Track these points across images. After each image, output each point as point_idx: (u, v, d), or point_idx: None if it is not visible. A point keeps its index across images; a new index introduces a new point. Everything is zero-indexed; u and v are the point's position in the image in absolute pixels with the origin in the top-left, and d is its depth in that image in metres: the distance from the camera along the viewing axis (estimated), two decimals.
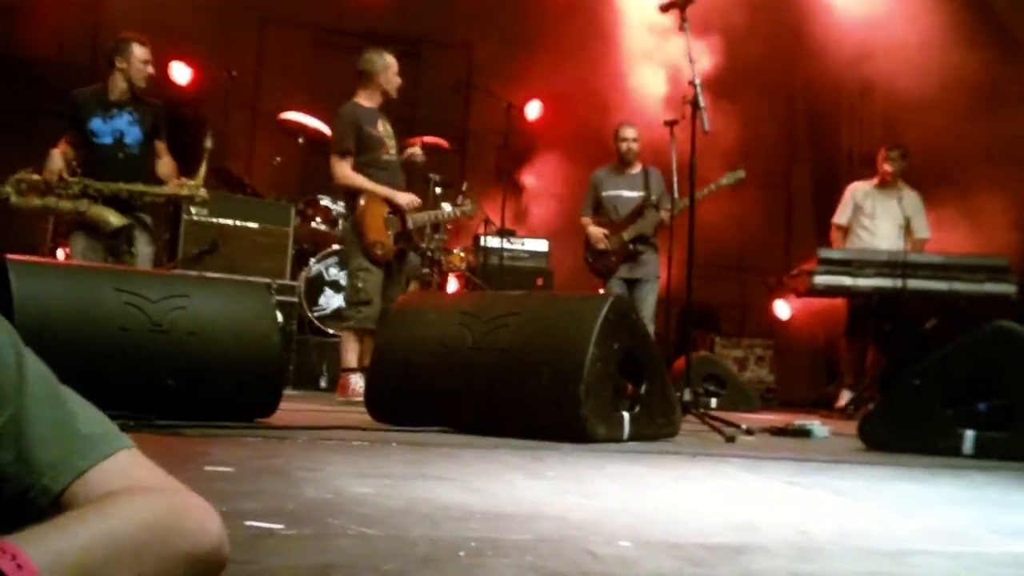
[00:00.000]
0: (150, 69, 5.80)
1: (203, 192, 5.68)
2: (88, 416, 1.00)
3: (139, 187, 5.56)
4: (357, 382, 5.39)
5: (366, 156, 5.83)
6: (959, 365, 3.91)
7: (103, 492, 0.94)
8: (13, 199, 5.38)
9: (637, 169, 6.99)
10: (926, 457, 3.67)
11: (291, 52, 9.54)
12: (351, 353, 5.63)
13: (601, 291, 6.89)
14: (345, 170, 5.79)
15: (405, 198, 5.92)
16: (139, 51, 5.77)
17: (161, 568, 0.91)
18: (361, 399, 4.48)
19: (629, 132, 7.01)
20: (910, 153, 7.59)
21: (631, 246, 6.84)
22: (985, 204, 7.55)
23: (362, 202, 5.77)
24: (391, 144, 5.96)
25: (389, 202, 5.83)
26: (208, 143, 5.70)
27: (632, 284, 6.89)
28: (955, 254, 7.13)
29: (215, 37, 9.04)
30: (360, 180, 5.80)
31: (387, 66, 5.97)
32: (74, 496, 0.94)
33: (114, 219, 5.47)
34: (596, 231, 6.93)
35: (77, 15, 9.30)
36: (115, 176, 5.57)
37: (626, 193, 7.01)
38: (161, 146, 5.85)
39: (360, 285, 5.73)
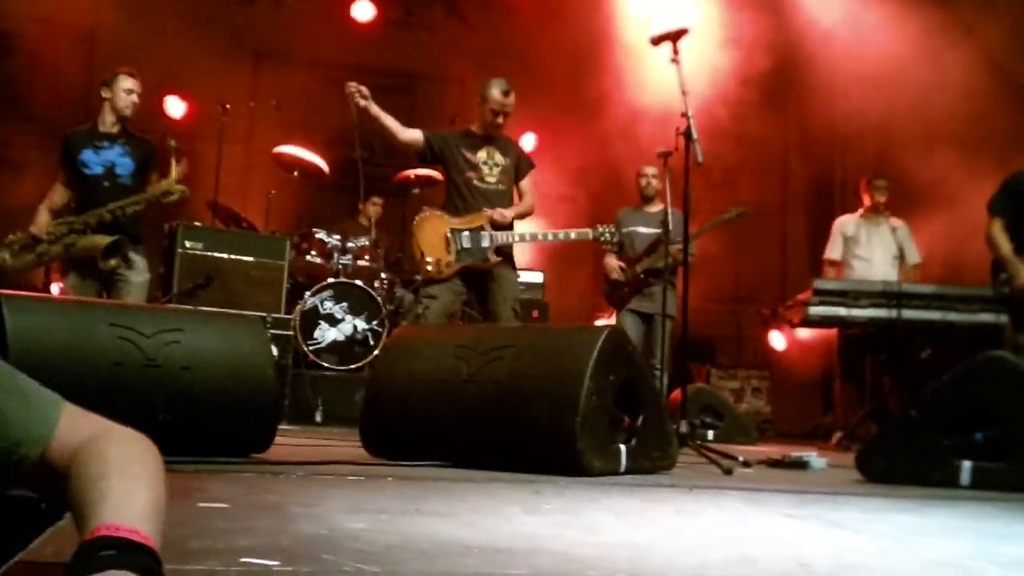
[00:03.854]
0: (134, 99, 5.83)
1: (180, 187, 5.73)
2: (33, 388, 1.27)
3: (117, 203, 5.61)
4: None
5: (456, 178, 5.87)
6: (955, 396, 3.90)
7: (72, 444, 1.21)
8: (9, 262, 5.47)
9: (657, 207, 7.07)
10: (924, 488, 3.66)
11: (286, 86, 9.57)
12: None
13: (610, 321, 7.01)
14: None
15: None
16: (124, 81, 5.83)
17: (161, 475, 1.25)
18: None
19: (649, 170, 7.28)
20: (898, 184, 7.64)
21: (641, 276, 6.99)
22: (979, 235, 7.57)
23: (416, 219, 5.82)
24: (487, 171, 5.88)
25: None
26: (171, 142, 5.77)
27: (647, 319, 7.00)
28: (949, 284, 7.15)
29: (209, 71, 9.08)
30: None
31: (490, 92, 5.86)
32: (51, 455, 1.22)
33: (102, 240, 5.51)
34: (611, 261, 7.19)
35: (72, 52, 9.35)
36: (105, 205, 5.62)
37: (642, 230, 7.18)
38: (154, 180, 5.90)
39: (419, 311, 5.70)
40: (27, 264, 5.62)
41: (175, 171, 5.72)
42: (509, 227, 5.85)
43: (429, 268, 5.65)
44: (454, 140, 5.94)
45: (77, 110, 8.20)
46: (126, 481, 1.16)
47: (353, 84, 5.78)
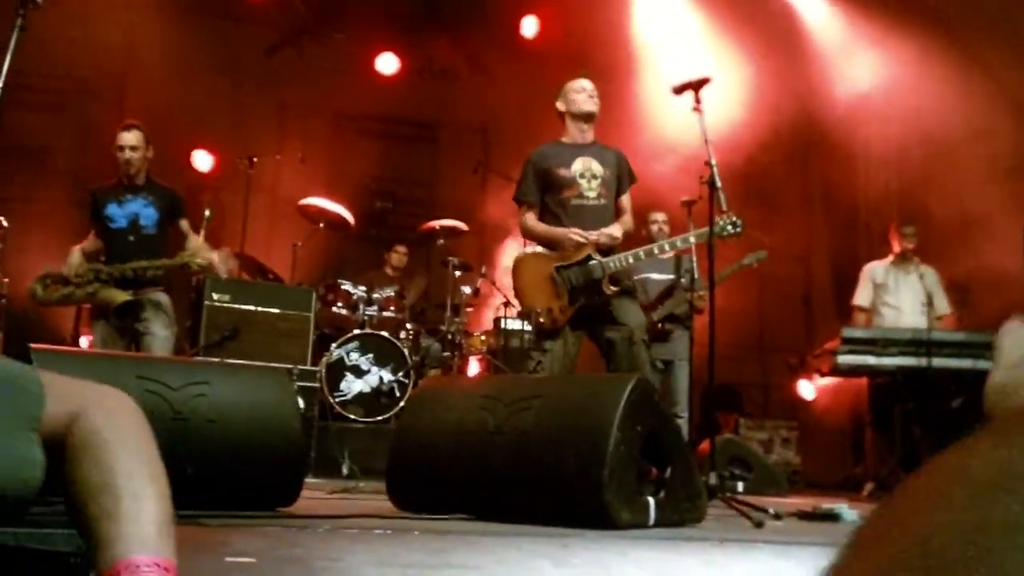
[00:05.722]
0: (127, 155, 5.91)
1: (198, 259, 5.80)
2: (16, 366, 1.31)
3: (140, 263, 5.69)
4: None
5: (553, 200, 5.20)
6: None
7: (66, 412, 1.22)
8: (39, 294, 5.58)
9: (668, 253, 7.01)
10: None
11: (311, 138, 9.68)
12: None
13: None
14: (525, 221, 5.22)
15: (569, 236, 5.04)
16: (118, 138, 5.94)
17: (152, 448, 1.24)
18: None
19: (659, 216, 7.19)
20: (923, 227, 7.61)
21: (660, 325, 6.89)
22: (1005, 275, 7.52)
23: (511, 261, 5.23)
24: (585, 185, 5.16)
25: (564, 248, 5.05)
26: (207, 213, 5.84)
27: (665, 365, 6.92)
28: (979, 330, 7.07)
29: (236, 124, 9.20)
30: (538, 228, 5.18)
31: (565, 92, 5.35)
32: (50, 424, 1.22)
33: (119, 296, 5.59)
34: None
35: (101, 107, 9.50)
36: (131, 257, 5.74)
37: (655, 276, 7.09)
38: (185, 224, 6.00)
39: (531, 367, 5.05)
40: (55, 300, 5.73)
41: (201, 238, 5.83)
42: (614, 248, 5.12)
43: (542, 320, 4.97)
44: (542, 158, 5.27)
45: (105, 164, 8.31)
46: (131, 491, 1.15)
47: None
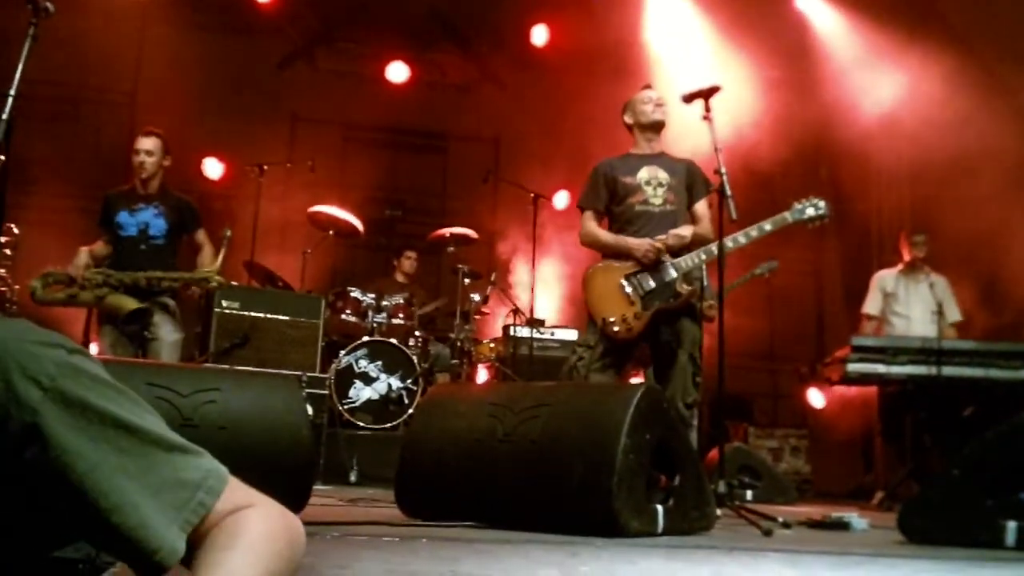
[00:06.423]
0: (143, 159, 5.93)
1: (219, 276, 5.79)
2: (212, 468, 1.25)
3: (156, 273, 5.69)
4: None
5: (618, 207, 5.19)
6: (998, 454, 3.82)
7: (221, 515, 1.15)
8: (39, 292, 5.54)
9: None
10: (968, 549, 3.57)
11: (321, 147, 9.72)
12: None
13: (639, 379, 6.89)
14: (588, 227, 5.22)
15: (642, 245, 4.98)
16: (136, 142, 5.96)
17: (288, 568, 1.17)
18: None
19: None
20: (934, 237, 7.59)
21: None
22: (1018, 285, 7.50)
23: (585, 277, 5.11)
24: (651, 192, 5.14)
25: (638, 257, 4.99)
26: (227, 232, 5.83)
27: None
28: (990, 340, 7.05)
29: (247, 133, 9.24)
30: (600, 235, 5.16)
31: (632, 104, 5.34)
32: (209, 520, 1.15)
33: (129, 303, 5.58)
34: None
35: (113, 117, 9.56)
36: (140, 266, 5.73)
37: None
38: (201, 237, 6.02)
39: (572, 362, 5.01)
40: (56, 300, 5.67)
41: (220, 258, 5.82)
42: (687, 248, 5.05)
43: (616, 329, 4.89)
44: (609, 167, 5.25)
45: (118, 173, 8.36)
46: (246, 555, 1.10)
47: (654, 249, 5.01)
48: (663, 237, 5.02)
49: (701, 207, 5.28)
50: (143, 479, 1.09)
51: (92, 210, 6.52)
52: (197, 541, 1.12)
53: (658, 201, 5.15)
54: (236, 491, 1.20)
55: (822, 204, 5.17)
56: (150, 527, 1.08)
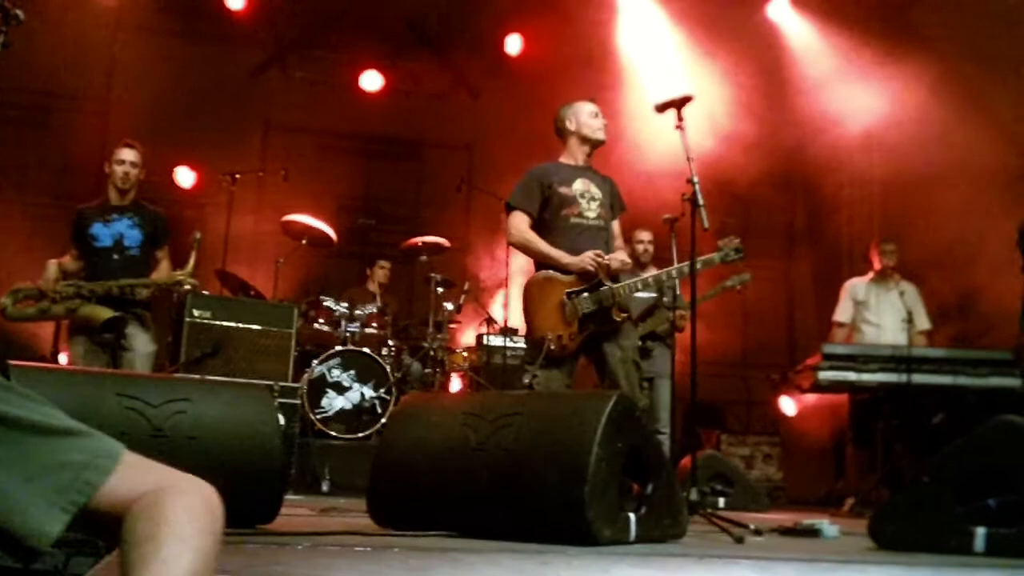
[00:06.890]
0: (127, 169, 5.90)
1: (192, 280, 5.75)
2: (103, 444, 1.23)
3: (129, 281, 5.64)
4: None
5: (550, 217, 5.07)
6: (967, 461, 3.86)
7: (128, 497, 1.15)
8: (9, 309, 5.47)
9: (651, 272, 7.02)
10: (938, 555, 3.61)
11: (294, 155, 9.69)
12: None
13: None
14: (519, 227, 5.07)
15: (581, 260, 4.91)
16: (117, 153, 5.92)
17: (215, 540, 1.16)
18: None
19: (644, 235, 7.23)
20: (904, 246, 7.66)
21: (641, 343, 6.88)
22: (985, 296, 7.57)
23: (526, 286, 5.02)
24: (585, 205, 5.07)
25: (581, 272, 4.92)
26: (196, 236, 5.81)
27: (647, 382, 6.91)
28: (959, 348, 7.12)
29: (219, 142, 9.20)
30: (537, 242, 5.02)
31: (575, 113, 5.23)
32: (98, 505, 1.15)
33: (104, 312, 5.53)
34: None
35: (86, 125, 9.49)
36: (114, 277, 5.67)
37: (637, 294, 7.05)
38: (162, 254, 5.97)
39: (527, 380, 4.88)
40: (27, 315, 5.60)
41: (191, 262, 5.77)
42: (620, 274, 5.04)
43: (552, 348, 4.81)
44: (544, 173, 5.15)
45: (88, 181, 8.29)
46: (173, 545, 1.10)
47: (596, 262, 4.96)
48: (612, 256, 5.00)
49: (616, 226, 5.31)
50: (16, 466, 1.11)
51: (58, 219, 6.47)
52: (110, 521, 1.14)
53: (592, 215, 5.10)
54: (137, 468, 1.20)
55: (741, 247, 5.16)
56: (19, 512, 1.09)
